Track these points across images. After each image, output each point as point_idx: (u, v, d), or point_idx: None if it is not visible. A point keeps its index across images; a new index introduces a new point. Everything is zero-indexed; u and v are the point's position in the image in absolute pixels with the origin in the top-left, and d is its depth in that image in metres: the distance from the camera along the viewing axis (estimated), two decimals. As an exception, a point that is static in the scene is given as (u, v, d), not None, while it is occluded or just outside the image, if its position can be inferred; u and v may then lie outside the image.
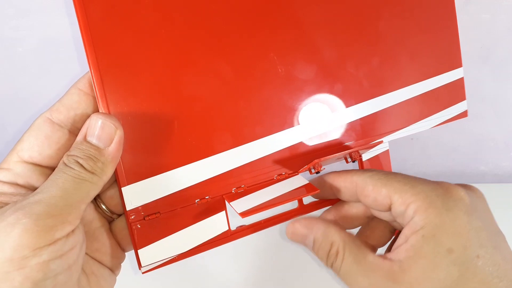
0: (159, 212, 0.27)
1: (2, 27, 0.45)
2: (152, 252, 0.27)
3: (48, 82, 0.48)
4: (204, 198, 0.28)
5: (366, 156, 0.34)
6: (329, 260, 0.27)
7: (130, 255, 0.29)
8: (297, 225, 0.29)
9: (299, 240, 0.29)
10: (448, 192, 0.27)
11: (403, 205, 0.27)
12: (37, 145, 0.25)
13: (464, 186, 0.28)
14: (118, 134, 0.24)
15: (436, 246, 0.25)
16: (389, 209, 0.28)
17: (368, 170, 0.30)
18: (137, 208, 0.26)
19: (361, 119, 0.32)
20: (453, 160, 0.53)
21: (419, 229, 0.26)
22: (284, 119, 0.30)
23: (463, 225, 0.26)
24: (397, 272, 0.26)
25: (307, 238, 0.28)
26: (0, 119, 0.51)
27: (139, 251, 0.27)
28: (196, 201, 0.28)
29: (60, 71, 0.47)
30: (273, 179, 0.30)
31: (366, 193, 0.29)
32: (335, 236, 0.27)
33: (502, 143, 0.51)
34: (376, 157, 0.34)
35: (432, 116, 0.35)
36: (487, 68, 0.48)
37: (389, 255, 0.27)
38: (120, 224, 0.29)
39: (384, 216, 0.30)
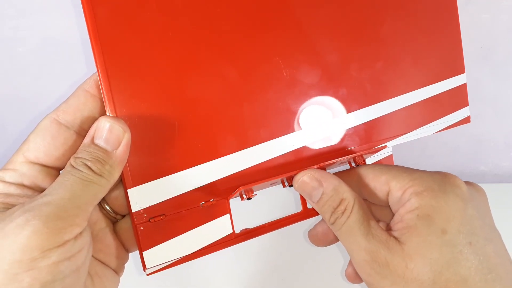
0: (164, 214, 0.27)
1: (2, 27, 0.45)
2: (157, 254, 0.27)
3: (48, 82, 0.48)
4: (209, 200, 0.28)
5: (370, 160, 0.34)
6: (334, 216, 0.27)
7: (134, 256, 0.29)
8: (308, 175, 0.28)
9: (307, 190, 0.28)
10: (445, 178, 0.28)
11: (401, 190, 0.27)
12: (43, 146, 0.25)
13: (466, 182, 0.29)
14: (126, 137, 0.24)
15: (430, 225, 0.26)
16: (387, 199, 0.28)
17: (370, 164, 0.31)
18: (142, 210, 0.26)
19: (364, 123, 0.32)
20: (453, 160, 0.53)
21: (414, 209, 0.26)
22: (288, 122, 0.30)
23: (459, 210, 0.26)
24: (394, 243, 0.26)
25: (315, 190, 0.28)
26: (0, 119, 0.51)
27: (144, 253, 0.27)
28: (201, 203, 0.28)
29: (60, 71, 0.47)
30: (278, 182, 0.30)
31: (367, 181, 0.29)
32: (346, 193, 0.28)
33: (502, 143, 0.51)
34: (380, 161, 0.34)
35: (435, 121, 0.35)
36: (487, 68, 0.48)
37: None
38: (124, 225, 0.29)
39: (385, 216, 0.30)
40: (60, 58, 0.47)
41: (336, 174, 0.31)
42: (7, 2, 0.43)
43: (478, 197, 0.28)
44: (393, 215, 0.28)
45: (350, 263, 0.31)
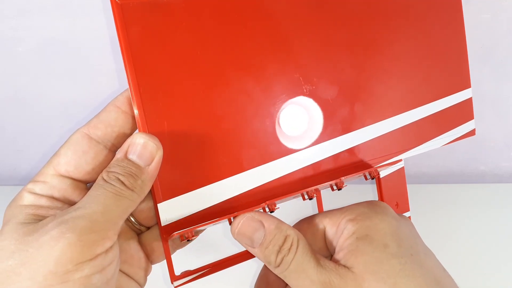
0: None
1: (2, 27, 0.45)
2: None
3: (47, 82, 0.48)
4: (234, 214, 0.28)
5: (383, 173, 0.35)
6: (280, 255, 0.26)
7: (164, 271, 0.29)
8: (248, 216, 0.27)
9: (248, 233, 0.27)
10: (373, 202, 0.29)
11: (335, 224, 0.28)
12: (74, 160, 0.25)
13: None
14: (158, 154, 0.25)
15: (371, 243, 0.26)
16: (324, 239, 0.29)
17: (305, 217, 0.31)
18: (171, 223, 0.27)
19: (378, 137, 0.33)
20: (453, 160, 0.53)
21: (352, 234, 0.27)
22: (307, 137, 0.31)
23: (394, 227, 0.27)
24: (343, 270, 0.26)
25: (257, 232, 0.27)
26: (0, 119, 0.51)
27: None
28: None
29: (60, 71, 0.47)
30: (300, 194, 0.31)
31: (303, 232, 0.28)
32: (289, 230, 0.27)
33: (502, 143, 0.51)
34: (392, 174, 0.35)
35: (442, 135, 0.36)
36: (487, 68, 0.48)
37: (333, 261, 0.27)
38: (149, 237, 0.29)
39: None
40: (60, 58, 0.47)
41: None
42: (7, 2, 0.43)
43: (405, 220, 0.30)
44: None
45: None
